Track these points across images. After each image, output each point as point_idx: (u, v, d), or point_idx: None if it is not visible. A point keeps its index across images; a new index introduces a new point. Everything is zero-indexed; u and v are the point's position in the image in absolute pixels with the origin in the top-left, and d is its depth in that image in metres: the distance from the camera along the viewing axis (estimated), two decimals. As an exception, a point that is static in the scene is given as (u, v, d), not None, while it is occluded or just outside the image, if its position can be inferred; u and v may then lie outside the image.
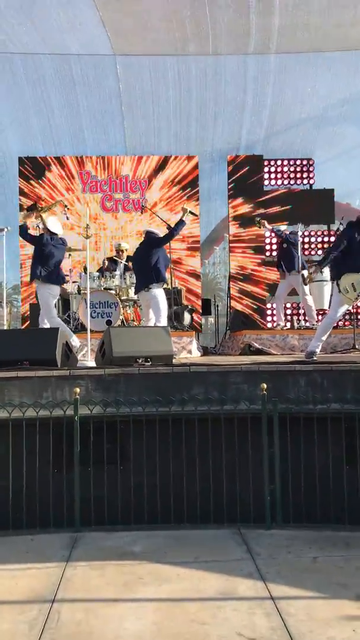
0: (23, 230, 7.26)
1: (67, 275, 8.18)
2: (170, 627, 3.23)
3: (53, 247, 7.12)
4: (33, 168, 10.84)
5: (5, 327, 12.13)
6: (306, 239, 10.71)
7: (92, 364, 5.81)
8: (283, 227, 9.50)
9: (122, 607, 3.50)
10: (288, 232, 9.26)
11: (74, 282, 8.92)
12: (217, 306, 11.78)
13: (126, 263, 9.07)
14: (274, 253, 10.97)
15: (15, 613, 3.47)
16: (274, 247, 10.98)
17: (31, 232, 7.42)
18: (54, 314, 7.20)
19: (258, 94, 10.30)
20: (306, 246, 10.68)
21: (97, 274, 8.62)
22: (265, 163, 11.02)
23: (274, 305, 10.94)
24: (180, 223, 7.23)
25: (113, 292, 8.39)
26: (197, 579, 3.85)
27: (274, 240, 10.99)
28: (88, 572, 3.99)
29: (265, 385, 4.88)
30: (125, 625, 3.26)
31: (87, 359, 6.08)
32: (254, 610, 3.41)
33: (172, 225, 7.40)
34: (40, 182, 10.83)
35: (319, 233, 10.89)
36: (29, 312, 10.36)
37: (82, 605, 3.52)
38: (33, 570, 4.05)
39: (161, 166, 10.96)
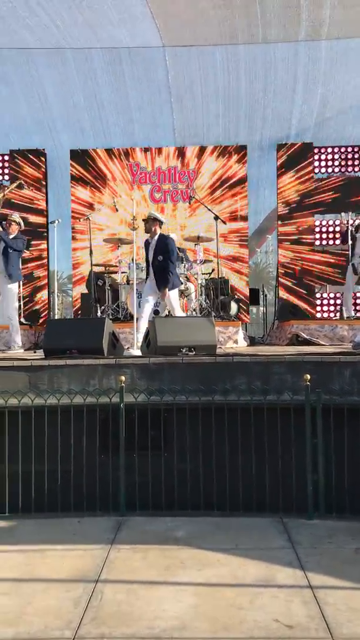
0: None
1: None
2: (208, 611, 3.31)
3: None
4: (84, 160, 11.05)
5: (57, 316, 12.51)
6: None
7: (138, 352, 5.93)
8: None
9: (162, 589, 3.60)
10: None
11: (122, 272, 9.07)
12: (266, 296, 11.72)
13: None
14: (324, 242, 10.85)
15: (61, 590, 3.63)
16: (324, 235, 10.85)
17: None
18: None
19: (308, 81, 10.12)
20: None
21: (142, 265, 8.72)
22: (316, 150, 10.87)
23: (327, 295, 10.84)
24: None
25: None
26: (236, 565, 3.91)
27: (324, 229, 10.87)
28: (131, 555, 4.11)
29: (308, 376, 4.88)
30: (164, 607, 3.36)
31: (133, 348, 6.20)
32: (292, 598, 3.44)
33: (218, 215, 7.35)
34: (91, 174, 11.03)
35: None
36: (80, 302, 10.60)
37: (124, 586, 3.64)
38: (79, 551, 4.20)
39: (210, 156, 10.97)
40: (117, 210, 10.01)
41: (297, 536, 4.39)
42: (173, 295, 7.11)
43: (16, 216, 7.95)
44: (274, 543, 4.29)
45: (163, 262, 6.97)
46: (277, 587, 3.59)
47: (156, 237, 7.06)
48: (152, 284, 7.08)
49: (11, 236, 7.65)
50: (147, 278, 7.32)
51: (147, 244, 7.21)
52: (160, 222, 7.20)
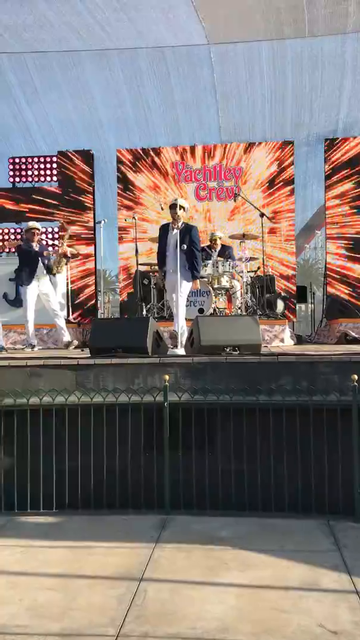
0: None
1: None
2: (251, 613, 3.29)
3: None
4: (130, 160, 11.14)
5: (104, 315, 12.67)
6: None
7: (182, 352, 5.94)
8: None
9: (205, 589, 3.60)
10: None
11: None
12: (314, 293, 11.53)
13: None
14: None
15: (106, 587, 3.67)
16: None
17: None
18: None
19: (357, 73, 9.90)
20: None
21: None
22: (365, 145, 10.62)
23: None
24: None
25: (206, 280, 8.47)
26: (281, 567, 3.87)
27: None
28: (175, 554, 4.13)
29: (356, 377, 4.78)
30: (207, 607, 3.36)
31: (178, 348, 6.21)
32: (338, 603, 3.38)
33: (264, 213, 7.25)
34: (137, 173, 11.11)
35: None
36: (126, 301, 10.69)
37: (167, 586, 3.66)
38: (124, 549, 4.25)
39: (256, 152, 10.87)
40: (162, 209, 10.03)
41: (344, 539, 4.31)
42: (187, 286, 6.81)
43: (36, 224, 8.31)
44: (319, 546, 4.23)
45: (188, 250, 6.64)
46: (323, 591, 3.53)
47: (180, 224, 6.72)
48: (174, 277, 6.68)
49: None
50: (164, 272, 6.93)
51: (165, 231, 6.85)
52: (185, 209, 6.92)
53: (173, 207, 6.74)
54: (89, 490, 5.07)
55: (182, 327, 6.52)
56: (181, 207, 6.75)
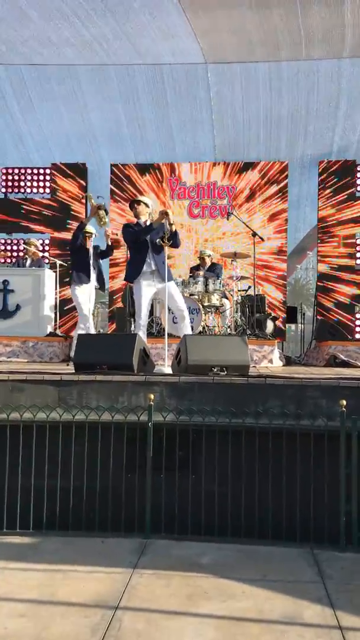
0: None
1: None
2: (230, 647, 3.15)
3: None
4: (124, 175, 11.11)
5: (94, 329, 12.52)
6: None
7: (169, 370, 5.83)
8: None
9: (183, 621, 3.46)
10: None
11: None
12: (304, 314, 11.48)
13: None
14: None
15: (80, 616, 3.52)
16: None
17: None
18: None
19: (352, 97, 9.97)
20: None
21: (180, 279, 8.66)
22: (359, 168, 10.67)
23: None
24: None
25: (196, 297, 8.40)
26: (262, 598, 3.74)
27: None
28: (153, 581, 3.98)
29: (344, 402, 4.68)
30: (184, 640, 3.22)
31: (165, 365, 6.10)
32: (320, 639, 3.25)
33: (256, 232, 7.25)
34: (130, 188, 11.07)
35: None
36: (115, 315, 10.58)
37: (144, 615, 3.51)
38: (101, 574, 4.09)
39: (250, 172, 10.88)
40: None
41: (327, 570, 4.18)
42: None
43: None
44: (303, 576, 4.10)
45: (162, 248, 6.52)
46: (305, 625, 3.40)
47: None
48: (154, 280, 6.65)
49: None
50: (139, 273, 6.64)
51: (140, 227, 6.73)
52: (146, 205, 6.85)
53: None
54: (68, 511, 4.92)
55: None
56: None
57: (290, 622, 3.43)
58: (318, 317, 10.58)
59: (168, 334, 6.48)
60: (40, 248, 10.67)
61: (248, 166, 10.91)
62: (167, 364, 6.13)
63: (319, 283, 10.84)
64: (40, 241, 10.96)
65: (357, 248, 10.62)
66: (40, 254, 10.06)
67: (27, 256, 9.63)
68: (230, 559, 4.38)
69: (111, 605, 3.62)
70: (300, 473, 4.76)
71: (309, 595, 3.78)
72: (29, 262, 9.56)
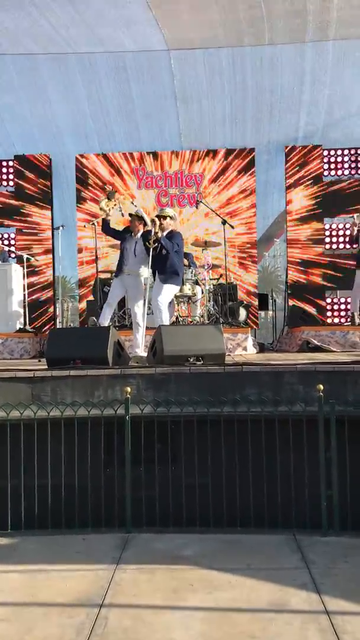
0: (106, 225, 7.43)
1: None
2: (218, 639, 3.12)
3: None
4: (89, 166, 10.92)
5: (65, 324, 12.37)
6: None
7: (143, 353, 5.71)
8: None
9: (170, 615, 3.41)
10: None
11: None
12: (275, 301, 11.51)
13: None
14: (334, 246, 10.66)
15: (64, 616, 3.44)
16: (334, 239, 10.67)
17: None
18: None
19: (315, 82, 9.95)
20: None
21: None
22: (325, 153, 10.69)
23: (338, 300, 10.64)
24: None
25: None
26: (248, 587, 3.71)
27: (334, 232, 10.69)
28: (137, 576, 3.92)
29: (321, 387, 4.68)
30: (172, 635, 3.17)
31: (139, 348, 5.99)
32: (308, 625, 3.24)
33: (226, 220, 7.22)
34: (97, 179, 10.89)
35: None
36: (86, 309, 10.44)
37: (129, 612, 3.45)
38: (83, 572, 4.02)
39: (217, 159, 10.81)
40: (122, 215, 9.83)
41: (311, 555, 4.19)
42: None
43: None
44: (287, 563, 4.09)
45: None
46: (292, 612, 3.39)
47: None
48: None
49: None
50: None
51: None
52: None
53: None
54: (47, 509, 4.82)
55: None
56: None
57: (278, 610, 3.41)
58: (289, 303, 10.61)
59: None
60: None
61: (215, 153, 10.83)
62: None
63: (289, 269, 10.86)
64: (7, 235, 10.73)
65: (326, 233, 10.66)
66: (6, 248, 9.82)
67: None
68: (214, 549, 4.35)
69: (96, 603, 3.55)
70: (280, 460, 4.75)
71: (294, 581, 3.77)
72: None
